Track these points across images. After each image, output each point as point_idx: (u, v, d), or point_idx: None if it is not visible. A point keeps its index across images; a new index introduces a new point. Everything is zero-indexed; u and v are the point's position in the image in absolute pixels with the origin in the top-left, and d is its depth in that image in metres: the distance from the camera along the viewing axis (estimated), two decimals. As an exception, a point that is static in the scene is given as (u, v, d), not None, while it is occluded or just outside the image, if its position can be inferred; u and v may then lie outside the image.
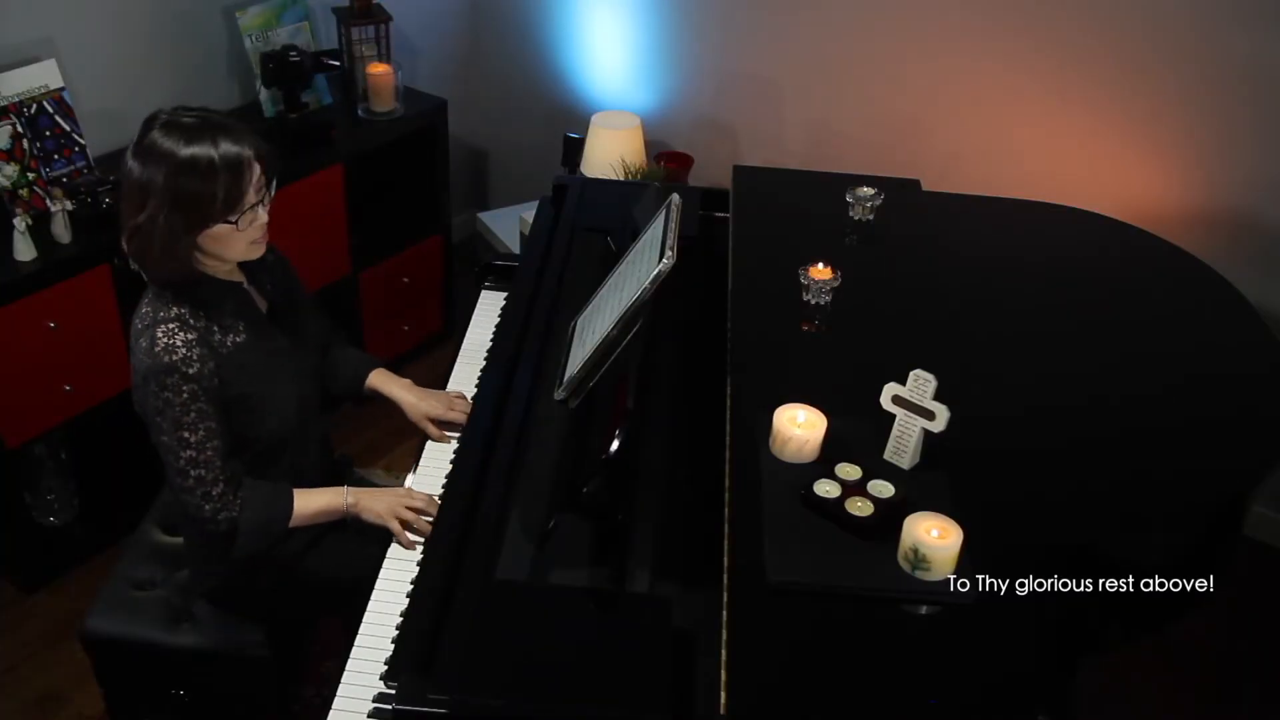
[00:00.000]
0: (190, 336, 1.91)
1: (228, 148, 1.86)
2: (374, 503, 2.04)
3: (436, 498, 2.04)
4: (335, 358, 2.30)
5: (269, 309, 2.09)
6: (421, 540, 1.99)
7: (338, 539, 2.15)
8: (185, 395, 1.90)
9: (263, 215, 1.94)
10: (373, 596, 1.90)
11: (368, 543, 2.05)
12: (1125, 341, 2.27)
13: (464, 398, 2.27)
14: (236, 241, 1.93)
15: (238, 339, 1.99)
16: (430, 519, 1.99)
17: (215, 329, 1.96)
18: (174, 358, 1.89)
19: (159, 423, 1.93)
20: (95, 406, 2.87)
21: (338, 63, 3.33)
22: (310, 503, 2.06)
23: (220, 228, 1.89)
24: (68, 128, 2.86)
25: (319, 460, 2.24)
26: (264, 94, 3.28)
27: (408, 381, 2.30)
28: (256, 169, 1.90)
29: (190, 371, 1.90)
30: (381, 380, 2.30)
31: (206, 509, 1.96)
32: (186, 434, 1.92)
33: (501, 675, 1.54)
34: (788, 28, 3.41)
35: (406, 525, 2.01)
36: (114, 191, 2.77)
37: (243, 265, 2.03)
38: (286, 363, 2.07)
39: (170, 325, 1.90)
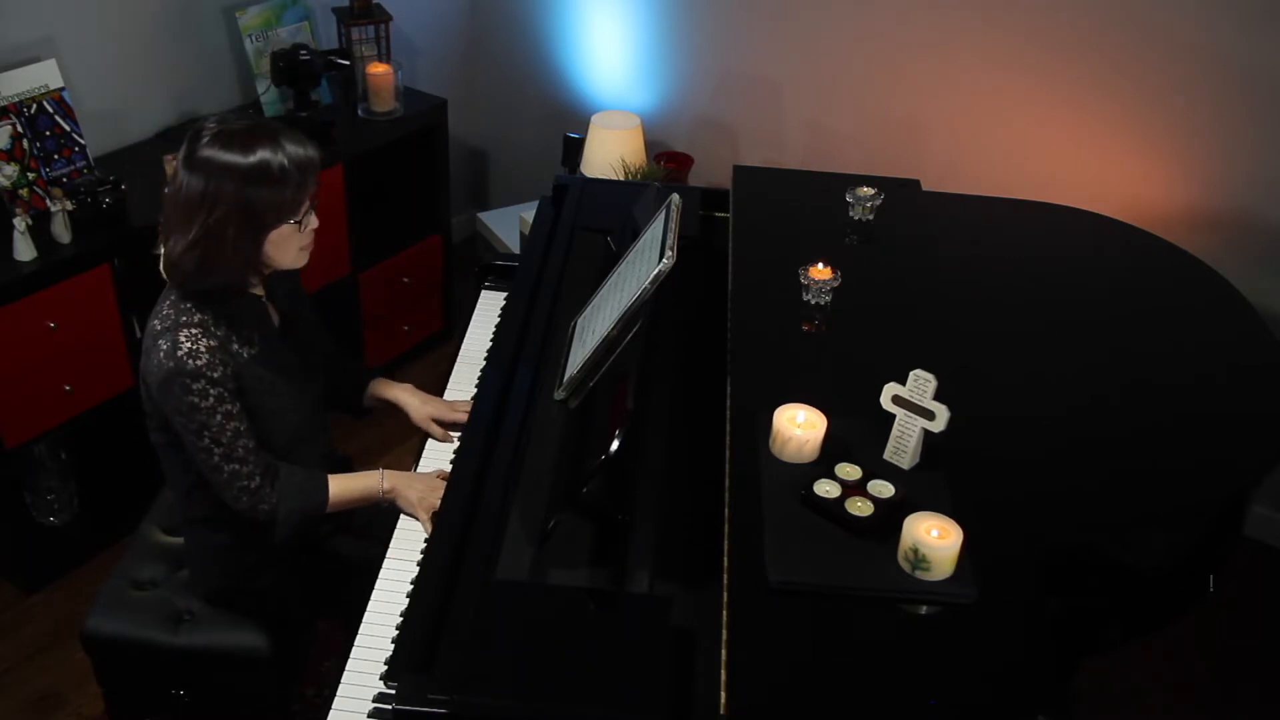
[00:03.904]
0: (212, 344, 1.91)
1: (294, 150, 1.87)
2: (409, 490, 2.05)
3: None
4: (335, 371, 2.30)
5: (280, 321, 2.09)
6: None
7: (341, 541, 2.15)
8: (211, 399, 1.91)
9: (315, 219, 1.96)
10: (373, 596, 1.90)
11: (371, 545, 2.05)
12: (1125, 342, 2.27)
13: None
14: (292, 246, 1.94)
15: (252, 351, 1.99)
16: None
17: (233, 339, 1.96)
18: (198, 363, 1.88)
19: (184, 424, 1.93)
20: (95, 406, 2.87)
21: (346, 61, 3.33)
22: (346, 488, 2.07)
23: (283, 229, 1.90)
24: (68, 128, 2.86)
25: (319, 466, 2.23)
26: (268, 94, 3.28)
27: (409, 385, 2.30)
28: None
29: (215, 375, 1.90)
30: (384, 387, 2.31)
31: (245, 500, 1.98)
32: (216, 433, 1.92)
33: (501, 675, 1.54)
34: (788, 28, 3.41)
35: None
36: (114, 192, 2.78)
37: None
38: (293, 380, 2.07)
39: (193, 330, 1.90)
